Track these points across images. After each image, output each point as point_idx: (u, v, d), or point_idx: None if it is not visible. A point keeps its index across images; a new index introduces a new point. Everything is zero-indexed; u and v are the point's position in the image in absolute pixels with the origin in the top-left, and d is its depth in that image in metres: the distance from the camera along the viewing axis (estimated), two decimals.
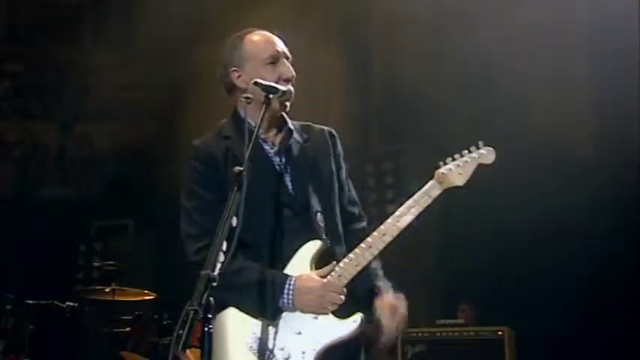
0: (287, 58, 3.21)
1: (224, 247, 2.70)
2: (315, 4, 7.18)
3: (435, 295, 6.67)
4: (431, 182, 3.09)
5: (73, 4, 9.22)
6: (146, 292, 6.63)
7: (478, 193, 6.46)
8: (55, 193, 9.22)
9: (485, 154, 3.18)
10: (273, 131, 3.22)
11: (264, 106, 2.99)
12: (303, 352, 2.97)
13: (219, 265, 2.67)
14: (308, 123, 3.34)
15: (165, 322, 6.36)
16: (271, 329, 3.00)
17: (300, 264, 3.05)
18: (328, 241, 3.09)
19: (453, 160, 3.14)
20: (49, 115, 9.29)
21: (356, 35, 7.41)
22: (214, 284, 2.62)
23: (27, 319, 6.47)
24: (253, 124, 3.02)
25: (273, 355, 2.97)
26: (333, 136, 3.34)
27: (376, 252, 3.02)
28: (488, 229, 6.30)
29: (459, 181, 3.12)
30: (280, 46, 3.22)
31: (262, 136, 3.17)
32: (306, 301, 2.98)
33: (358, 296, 3.07)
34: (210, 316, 2.63)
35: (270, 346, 2.98)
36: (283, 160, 3.19)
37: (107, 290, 6.49)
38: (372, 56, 7.61)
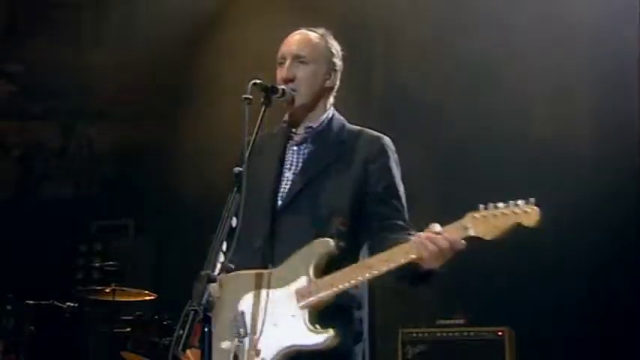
0: (296, 57, 3.22)
1: (224, 247, 2.72)
2: (314, 5, 7.18)
3: (435, 295, 6.66)
4: (457, 223, 2.85)
5: (73, 4, 9.21)
6: (146, 292, 6.63)
7: (477, 192, 6.47)
8: (55, 193, 9.21)
9: (529, 215, 2.73)
10: (301, 128, 3.27)
11: (263, 106, 3.04)
12: (267, 345, 2.97)
13: (219, 266, 2.68)
14: (363, 128, 3.32)
15: (165, 323, 6.36)
16: (257, 310, 3.01)
17: (301, 264, 3.03)
18: (341, 243, 3.05)
19: (496, 207, 2.80)
20: (49, 115, 9.27)
21: (356, 35, 7.40)
22: (214, 284, 2.64)
23: (27, 319, 6.47)
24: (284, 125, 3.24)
25: (244, 336, 2.98)
26: (378, 142, 3.26)
27: (359, 281, 2.96)
28: None
29: (488, 234, 2.78)
30: (289, 47, 3.25)
31: (291, 133, 3.27)
32: None
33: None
34: (210, 315, 2.64)
35: (249, 324, 3.00)
36: (299, 154, 3.24)
37: (107, 290, 6.49)
38: (372, 56, 7.61)
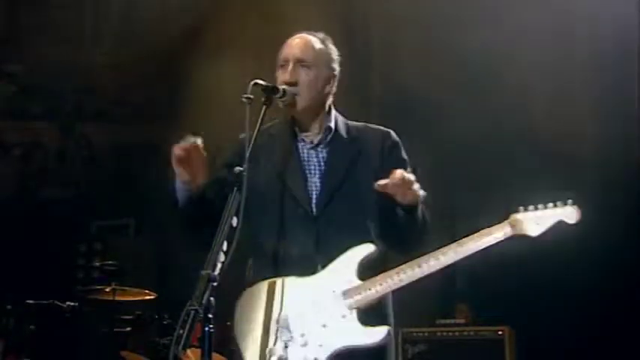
0: (299, 61, 3.24)
1: (224, 246, 2.72)
2: (313, 5, 7.18)
3: (435, 295, 6.66)
4: (503, 224, 3.06)
5: (73, 4, 9.21)
6: (146, 291, 6.62)
7: (477, 192, 6.47)
8: (55, 193, 9.20)
9: (569, 213, 3.06)
10: (314, 129, 3.28)
11: (263, 106, 3.04)
12: (320, 345, 3.02)
13: (219, 265, 2.68)
14: (366, 123, 3.40)
15: (165, 322, 6.36)
16: (300, 313, 3.05)
17: (345, 268, 3.08)
18: (380, 246, 3.14)
19: (536, 209, 3.05)
20: (49, 115, 9.28)
21: (356, 35, 7.40)
22: (215, 284, 2.64)
23: (27, 319, 6.47)
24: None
25: (292, 338, 3.02)
26: (389, 137, 3.35)
27: (407, 282, 3.06)
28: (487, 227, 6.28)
29: (533, 231, 3.05)
30: (293, 50, 3.27)
31: (301, 135, 3.27)
32: None
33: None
34: (210, 315, 2.64)
35: (293, 327, 3.04)
36: (317, 157, 3.24)
37: (107, 290, 6.48)
38: (371, 56, 7.61)
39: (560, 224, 3.03)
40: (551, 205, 3.03)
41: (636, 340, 6.19)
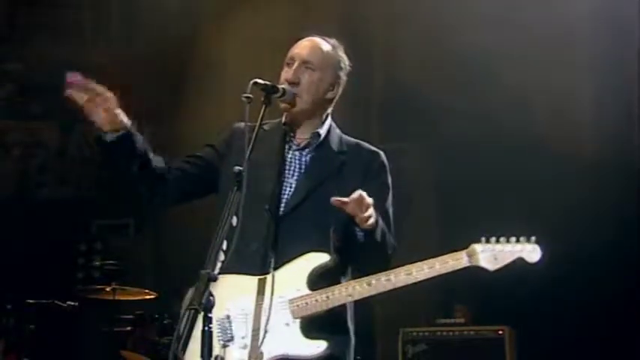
0: (304, 62, 3.23)
1: (224, 246, 2.72)
2: (314, 4, 7.18)
3: (435, 295, 6.67)
4: (460, 253, 3.03)
5: (73, 4, 9.21)
6: (147, 291, 6.63)
7: (477, 192, 6.48)
8: (55, 193, 9.20)
9: (530, 251, 3.01)
10: (304, 133, 3.28)
11: (263, 105, 3.04)
12: (259, 351, 2.98)
13: (219, 265, 2.68)
14: (359, 141, 3.36)
15: (165, 322, 6.37)
16: (244, 315, 3.03)
17: (296, 275, 3.04)
18: (336, 257, 3.08)
19: (497, 241, 3.01)
20: (49, 115, 9.27)
21: (356, 35, 7.40)
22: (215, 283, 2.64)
23: (27, 318, 6.48)
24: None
25: (232, 338, 3.01)
26: (377, 158, 3.32)
27: (356, 298, 3.03)
28: (487, 227, 6.29)
29: (489, 265, 3.02)
30: (300, 50, 3.27)
31: (290, 136, 3.27)
32: None
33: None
34: (210, 315, 2.64)
35: (235, 328, 3.03)
36: (300, 160, 3.24)
37: (108, 289, 6.49)
38: (372, 56, 7.61)
39: (520, 261, 3.01)
40: (513, 239, 2.99)
41: (636, 340, 6.19)
